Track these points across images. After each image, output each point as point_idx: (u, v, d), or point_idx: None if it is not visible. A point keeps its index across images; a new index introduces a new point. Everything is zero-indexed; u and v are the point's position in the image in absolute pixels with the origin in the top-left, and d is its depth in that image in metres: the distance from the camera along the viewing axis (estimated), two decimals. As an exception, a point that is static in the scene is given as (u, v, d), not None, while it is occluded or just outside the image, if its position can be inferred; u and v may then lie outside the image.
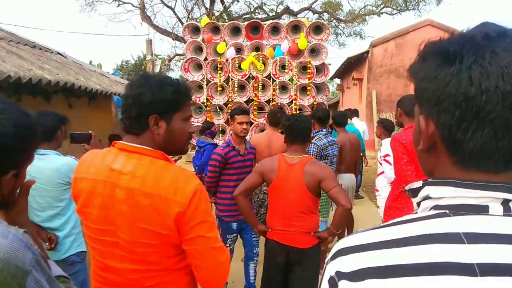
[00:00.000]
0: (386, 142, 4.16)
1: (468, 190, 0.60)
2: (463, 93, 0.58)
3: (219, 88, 7.20)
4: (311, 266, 2.68)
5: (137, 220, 1.26)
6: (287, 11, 16.47)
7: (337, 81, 22.73)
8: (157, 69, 14.21)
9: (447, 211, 0.61)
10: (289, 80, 7.19)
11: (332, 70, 16.61)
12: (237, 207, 2.83)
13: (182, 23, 15.16)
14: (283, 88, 7.33)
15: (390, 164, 3.67)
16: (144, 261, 1.30)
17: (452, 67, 0.59)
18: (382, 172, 4.16)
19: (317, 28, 7.34)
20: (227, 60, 7.12)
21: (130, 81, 1.37)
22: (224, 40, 7.35)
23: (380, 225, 0.66)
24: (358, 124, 8.11)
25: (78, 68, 6.12)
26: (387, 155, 3.80)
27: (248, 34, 7.47)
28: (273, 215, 2.72)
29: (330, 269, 0.64)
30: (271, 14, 16.67)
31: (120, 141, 1.37)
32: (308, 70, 7.03)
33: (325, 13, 17.16)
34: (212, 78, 7.26)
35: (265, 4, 17.34)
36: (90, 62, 13.29)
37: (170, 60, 17.07)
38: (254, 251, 3.60)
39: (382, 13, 17.10)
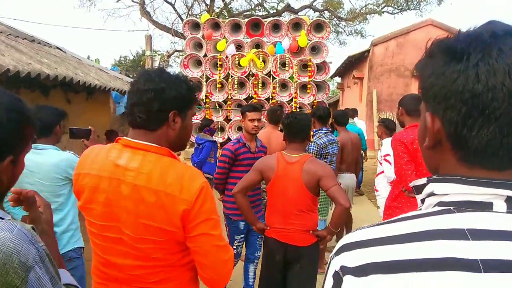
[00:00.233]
0: (387, 141, 4.15)
1: (472, 187, 0.61)
2: (470, 90, 0.58)
3: (218, 85, 7.18)
4: (310, 264, 2.68)
5: (142, 217, 1.26)
6: (288, 8, 16.45)
7: (338, 79, 22.74)
8: (156, 65, 14.17)
9: (452, 208, 0.62)
10: (289, 78, 7.17)
11: (333, 68, 16.57)
12: (238, 204, 2.82)
13: (182, 19, 15.12)
14: (283, 86, 7.32)
15: (390, 163, 3.67)
16: (148, 258, 1.30)
17: (459, 64, 0.59)
18: (382, 172, 4.16)
19: (318, 26, 7.32)
20: (227, 57, 7.09)
21: (146, 75, 1.34)
22: (224, 37, 7.33)
23: (384, 221, 0.67)
24: (357, 123, 8.11)
25: (77, 63, 6.10)
26: (388, 154, 3.80)
27: (248, 31, 7.44)
28: (272, 213, 2.72)
29: (335, 264, 0.64)
30: (271, 12, 16.65)
31: (125, 137, 1.36)
32: (309, 68, 7.02)
33: (326, 11, 17.13)
34: (211, 75, 7.24)
35: (265, 1, 17.33)
36: (88, 57, 13.22)
37: (169, 56, 17.05)
38: (256, 254, 3.56)
39: (383, 12, 17.09)
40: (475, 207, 0.60)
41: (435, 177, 0.66)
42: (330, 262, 0.66)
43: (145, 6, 15.60)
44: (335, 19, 17.53)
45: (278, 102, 7.02)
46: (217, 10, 15.67)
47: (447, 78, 0.61)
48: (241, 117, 3.71)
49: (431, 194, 0.66)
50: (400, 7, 16.89)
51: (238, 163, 3.38)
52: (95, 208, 1.32)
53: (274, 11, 16.65)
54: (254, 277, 3.57)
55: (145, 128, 1.33)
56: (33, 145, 2.34)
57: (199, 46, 7.51)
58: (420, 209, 0.68)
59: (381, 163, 4.18)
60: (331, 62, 7.47)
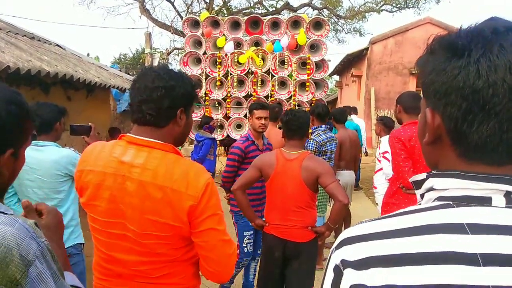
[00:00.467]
0: (385, 139, 4.17)
1: (472, 182, 0.61)
2: (471, 86, 0.59)
3: (217, 83, 7.18)
4: (308, 260, 2.69)
5: (148, 213, 1.27)
6: (287, 6, 16.40)
7: (336, 78, 22.73)
8: (155, 63, 14.15)
9: (451, 202, 0.62)
10: (288, 75, 7.18)
11: (331, 66, 16.59)
12: (238, 201, 2.83)
13: (181, 17, 15.08)
14: (282, 83, 7.32)
15: (388, 161, 3.68)
16: (152, 253, 1.31)
17: (460, 60, 0.60)
18: (380, 169, 4.17)
19: (317, 24, 7.32)
20: (226, 54, 7.09)
21: (153, 72, 1.34)
22: (224, 35, 7.32)
23: (384, 216, 0.67)
24: (356, 122, 8.13)
25: (77, 60, 6.09)
26: (386, 152, 3.81)
27: (247, 29, 7.44)
28: (271, 210, 2.73)
29: (335, 258, 0.65)
30: (270, 10, 16.60)
31: (129, 134, 1.36)
32: (308, 66, 7.03)
33: (325, 9, 17.10)
34: (211, 73, 7.24)
35: (265, -1, 17.26)
36: (88, 55, 13.19)
37: (168, 54, 16.99)
38: (259, 252, 3.54)
39: (382, 11, 17.05)
40: (475, 202, 0.61)
41: (434, 172, 0.67)
42: (330, 256, 0.67)
43: (144, 4, 15.54)
44: (334, 17, 17.49)
45: (277, 99, 7.03)
46: (216, 8, 15.63)
47: (448, 74, 0.61)
48: (249, 114, 3.69)
49: (431, 189, 0.66)
50: (398, 5, 16.86)
51: (247, 161, 3.35)
52: (99, 204, 1.32)
53: (273, 9, 16.59)
54: (254, 273, 3.59)
55: (153, 125, 1.34)
56: (33, 142, 2.35)
57: (198, 44, 7.51)
58: (420, 204, 0.68)
59: (379, 161, 4.19)
60: (329, 60, 7.49)
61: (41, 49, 5.18)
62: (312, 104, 6.19)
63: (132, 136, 1.34)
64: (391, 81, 14.44)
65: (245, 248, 3.42)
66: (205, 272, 1.39)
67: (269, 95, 7.13)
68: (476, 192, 0.61)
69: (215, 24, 7.45)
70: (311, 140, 3.99)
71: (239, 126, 7.40)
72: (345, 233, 0.67)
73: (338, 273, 0.63)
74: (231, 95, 7.20)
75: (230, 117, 7.30)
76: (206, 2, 15.80)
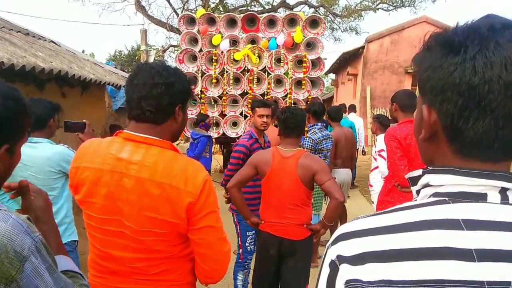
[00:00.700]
0: (381, 137, 4.18)
1: (467, 178, 0.62)
2: (467, 82, 0.59)
3: (214, 81, 7.17)
4: (304, 258, 2.70)
5: (146, 209, 1.27)
6: (283, 4, 16.39)
7: (332, 76, 22.76)
8: (151, 60, 14.10)
9: (447, 199, 0.63)
10: (284, 73, 7.17)
11: (327, 65, 16.63)
12: (233, 199, 2.83)
13: (177, 14, 15.02)
14: (278, 81, 7.32)
15: (384, 159, 3.69)
16: (150, 250, 1.31)
17: (456, 57, 0.60)
18: (376, 167, 4.18)
19: (313, 22, 7.32)
20: (222, 52, 7.07)
21: (152, 68, 1.33)
22: (220, 32, 7.30)
23: (380, 212, 0.68)
24: (355, 120, 8.13)
25: (72, 57, 6.05)
26: (382, 150, 3.82)
27: (244, 27, 7.42)
28: (267, 208, 2.73)
29: (331, 253, 0.65)
30: (267, 7, 16.58)
31: (125, 131, 1.36)
32: (304, 64, 7.02)
33: (321, 8, 17.10)
34: (207, 70, 7.22)
35: (261, -4, 17.23)
36: (83, 52, 13.11)
37: (164, 51, 16.94)
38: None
39: (378, 9, 17.08)
40: (470, 198, 0.61)
41: (430, 168, 0.67)
42: (326, 251, 0.67)
43: (140, 0, 15.48)
44: (330, 15, 17.50)
45: (273, 97, 7.02)
46: (212, 5, 15.59)
47: (444, 71, 0.61)
48: (251, 112, 3.66)
49: (427, 185, 0.67)
50: (394, 4, 16.90)
51: None
52: (96, 201, 1.32)
53: (270, 6, 16.57)
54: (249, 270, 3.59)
55: (152, 121, 1.33)
56: (27, 138, 2.34)
57: (194, 41, 7.48)
58: (416, 200, 0.69)
59: (375, 159, 4.21)
60: (325, 59, 7.48)
61: (36, 45, 5.14)
62: (308, 102, 6.19)
63: (129, 133, 1.33)
64: (387, 79, 14.48)
65: (248, 247, 3.39)
66: (200, 271, 1.39)
67: (265, 93, 7.12)
68: (472, 188, 0.62)
69: (211, 21, 7.42)
70: (307, 138, 3.99)
71: (235, 124, 7.39)
72: (341, 229, 0.67)
73: (334, 268, 0.63)
74: (227, 93, 7.18)
75: (226, 115, 7.29)
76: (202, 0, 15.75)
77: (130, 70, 15.94)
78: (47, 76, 4.28)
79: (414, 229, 0.60)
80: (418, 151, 0.74)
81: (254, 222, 2.78)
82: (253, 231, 3.35)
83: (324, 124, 4.39)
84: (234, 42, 7.23)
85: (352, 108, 8.72)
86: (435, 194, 0.65)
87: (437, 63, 0.62)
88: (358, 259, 0.61)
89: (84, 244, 2.75)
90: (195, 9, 14.71)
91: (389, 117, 4.06)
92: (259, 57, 7.05)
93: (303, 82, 7.10)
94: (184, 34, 7.40)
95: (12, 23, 5.80)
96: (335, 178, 3.77)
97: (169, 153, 1.33)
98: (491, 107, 0.58)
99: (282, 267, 2.74)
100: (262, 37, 7.26)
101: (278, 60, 7.18)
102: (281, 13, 12.23)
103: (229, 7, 16.39)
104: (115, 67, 10.34)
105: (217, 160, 9.62)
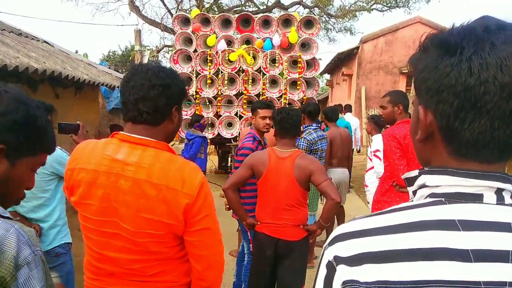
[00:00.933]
0: (377, 137, 4.19)
1: (463, 179, 0.62)
2: (463, 83, 0.59)
3: (208, 81, 7.16)
4: (300, 259, 2.70)
5: (142, 211, 1.27)
6: (278, 5, 16.40)
7: (327, 76, 22.81)
8: (145, 60, 14.05)
9: (443, 199, 0.63)
10: (279, 74, 7.18)
11: (322, 65, 16.64)
12: (229, 200, 2.82)
13: (171, 14, 14.98)
14: (273, 82, 7.33)
15: (380, 159, 3.70)
16: (146, 251, 1.31)
17: (452, 58, 0.60)
18: (372, 168, 4.19)
19: (308, 23, 7.34)
20: (217, 52, 7.07)
21: (148, 70, 1.33)
22: (215, 32, 7.30)
23: (377, 212, 0.68)
24: (351, 120, 8.14)
25: (65, 57, 6.01)
26: (377, 150, 3.83)
27: (238, 27, 7.43)
28: (263, 208, 2.73)
29: (328, 254, 0.65)
30: (261, 8, 16.59)
31: (122, 132, 1.35)
32: (299, 65, 7.04)
33: (315, 8, 17.14)
34: (201, 71, 7.21)
35: (255, -3, 17.24)
36: (76, 52, 13.04)
37: (158, 51, 16.90)
38: None
39: (372, 10, 17.14)
40: (466, 199, 0.62)
41: (427, 169, 0.68)
42: (323, 252, 0.67)
43: (134, 0, 15.42)
44: (324, 16, 17.54)
45: (268, 98, 7.02)
46: (206, 6, 15.57)
47: (440, 72, 0.61)
48: (251, 113, 3.55)
49: (423, 186, 0.67)
50: (389, 5, 16.97)
51: None
52: (91, 203, 1.31)
53: (264, 7, 16.58)
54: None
55: (149, 123, 1.33)
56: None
57: (189, 41, 7.47)
58: (412, 201, 0.69)
59: (371, 159, 4.21)
60: (320, 59, 7.52)
61: (29, 45, 5.10)
62: (303, 103, 6.20)
63: (125, 134, 1.33)
64: (382, 80, 14.54)
65: None
66: (194, 273, 1.38)
67: (260, 93, 7.13)
68: (468, 189, 0.62)
69: (206, 21, 7.42)
70: (302, 139, 3.99)
71: (230, 124, 7.38)
72: (338, 230, 0.67)
73: (331, 269, 0.63)
74: (221, 93, 7.18)
75: (221, 116, 7.28)
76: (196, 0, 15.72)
77: (124, 70, 15.90)
78: (40, 77, 4.24)
79: (410, 230, 0.60)
80: None
81: (250, 223, 2.78)
82: None
83: (319, 125, 4.39)
84: (229, 42, 7.23)
85: (348, 108, 8.75)
86: (431, 195, 0.65)
87: (433, 64, 0.63)
88: (355, 260, 0.61)
89: (78, 246, 2.73)
90: (190, 9, 14.68)
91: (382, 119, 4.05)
92: (254, 57, 7.05)
93: (298, 82, 7.11)
94: (179, 35, 7.38)
95: (4, 23, 5.75)
96: (331, 179, 3.77)
97: (166, 155, 1.32)
98: (487, 108, 0.58)
99: (278, 268, 2.74)
100: (257, 38, 7.27)
101: (273, 61, 7.19)
102: (276, 14, 12.26)
103: (224, 8, 16.38)
104: (109, 68, 10.29)
105: (212, 161, 9.61)
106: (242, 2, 17.12)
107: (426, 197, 0.65)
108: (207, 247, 1.34)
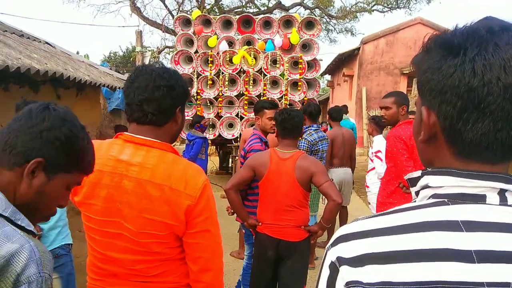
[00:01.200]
0: (378, 138, 4.19)
1: (466, 180, 0.62)
2: (466, 84, 0.59)
3: (209, 82, 7.16)
4: (301, 259, 2.69)
5: (145, 211, 1.27)
6: (279, 6, 16.42)
7: (328, 77, 22.81)
8: (146, 61, 14.07)
9: (446, 200, 0.63)
10: (280, 75, 7.18)
11: (323, 66, 16.64)
12: (230, 201, 2.81)
13: (172, 16, 15.01)
14: (274, 83, 7.33)
15: (381, 160, 3.69)
16: (148, 252, 1.31)
17: (456, 58, 0.60)
18: (373, 168, 4.19)
19: (309, 24, 7.34)
20: (218, 53, 7.07)
21: (152, 71, 1.33)
22: (216, 33, 7.30)
23: (380, 213, 0.68)
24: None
25: (67, 58, 6.02)
26: (379, 151, 3.83)
27: (239, 28, 7.44)
28: (264, 209, 2.72)
29: (331, 255, 0.65)
30: (262, 9, 16.60)
31: (126, 133, 1.36)
32: (300, 66, 7.04)
33: (316, 9, 17.15)
34: (202, 72, 7.21)
35: (256, -2, 17.25)
36: (77, 53, 13.06)
37: (159, 52, 16.92)
38: None
39: (373, 11, 17.15)
40: (469, 200, 0.62)
41: (429, 169, 0.67)
42: (326, 253, 0.67)
43: (135, 1, 15.44)
44: (325, 16, 17.54)
45: (269, 99, 7.02)
46: (208, 7, 15.58)
47: (443, 73, 0.61)
48: (255, 114, 3.47)
49: (426, 187, 0.67)
50: (390, 6, 16.97)
51: None
52: (95, 203, 1.31)
53: (265, 8, 16.59)
54: None
55: (154, 124, 1.33)
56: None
57: (190, 42, 7.48)
58: (415, 201, 0.69)
59: (372, 160, 4.21)
60: (321, 60, 7.52)
61: (31, 47, 5.11)
62: (304, 104, 6.19)
63: (129, 135, 1.34)
64: (382, 81, 14.55)
65: None
66: (190, 275, 1.37)
67: (261, 94, 7.13)
68: (471, 190, 0.62)
69: (207, 22, 7.43)
70: (303, 140, 3.99)
71: (231, 125, 7.39)
72: (341, 230, 0.67)
73: (334, 270, 0.63)
74: (222, 94, 7.18)
75: (222, 116, 7.28)
76: (197, 1, 15.74)
77: (125, 71, 15.90)
78: (42, 78, 4.25)
79: (413, 231, 0.60)
80: None
81: (252, 224, 2.78)
82: None
83: (320, 126, 4.39)
84: (230, 43, 7.24)
85: (345, 109, 8.77)
86: (434, 196, 0.65)
87: (436, 65, 0.63)
88: (358, 261, 0.61)
89: (79, 247, 2.74)
90: (191, 11, 14.70)
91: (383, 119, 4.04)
92: (255, 58, 7.06)
93: (299, 83, 7.11)
94: (180, 36, 7.39)
95: (6, 25, 5.76)
96: (332, 180, 3.77)
97: (170, 156, 1.33)
98: (490, 109, 0.58)
99: (279, 268, 2.74)
100: (258, 39, 7.27)
101: (274, 62, 7.20)
102: (277, 15, 12.27)
103: (225, 9, 16.40)
104: (110, 68, 10.30)
105: (213, 161, 9.61)
106: (243, 3, 17.14)
107: (429, 198, 0.65)
108: (206, 250, 1.34)
